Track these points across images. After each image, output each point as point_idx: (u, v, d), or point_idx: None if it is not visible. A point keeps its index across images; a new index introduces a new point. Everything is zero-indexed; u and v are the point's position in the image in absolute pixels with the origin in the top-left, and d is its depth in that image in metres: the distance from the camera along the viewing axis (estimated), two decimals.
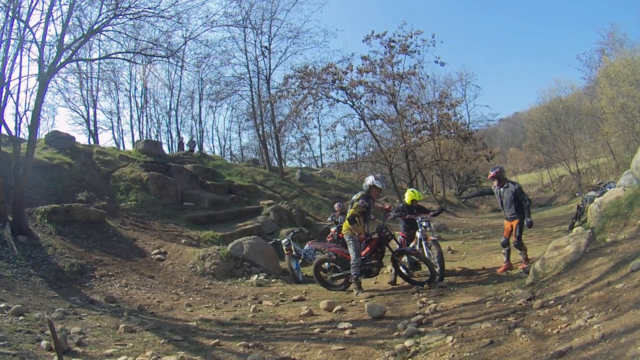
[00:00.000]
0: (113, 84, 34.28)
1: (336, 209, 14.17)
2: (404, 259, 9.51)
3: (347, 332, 6.09)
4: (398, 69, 18.53)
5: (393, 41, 18.16)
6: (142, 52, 14.41)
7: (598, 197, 10.92)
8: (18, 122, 10.58)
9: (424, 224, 9.69)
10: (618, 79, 32.67)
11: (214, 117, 64.59)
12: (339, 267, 9.57)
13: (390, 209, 9.89)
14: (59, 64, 10.98)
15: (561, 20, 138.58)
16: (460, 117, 20.46)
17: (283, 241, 12.15)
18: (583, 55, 54.07)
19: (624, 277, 4.99)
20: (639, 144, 9.83)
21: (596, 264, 6.02)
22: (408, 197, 10.14)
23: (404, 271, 9.36)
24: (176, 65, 23.30)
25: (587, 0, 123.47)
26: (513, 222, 9.19)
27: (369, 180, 8.97)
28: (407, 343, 5.18)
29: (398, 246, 9.36)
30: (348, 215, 8.84)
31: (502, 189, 9.33)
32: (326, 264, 9.98)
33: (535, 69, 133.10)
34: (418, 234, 9.64)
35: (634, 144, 25.16)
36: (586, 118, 43.00)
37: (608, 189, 11.75)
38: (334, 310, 7.43)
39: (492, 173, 9.50)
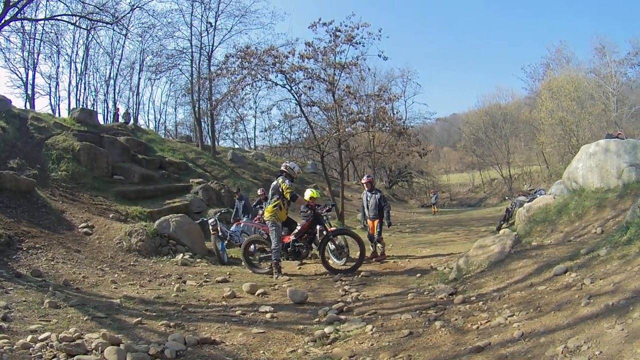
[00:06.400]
0: (55, 47, 32.67)
1: (259, 194, 14.24)
2: (339, 241, 9.74)
3: (268, 315, 6.02)
4: (340, 58, 18.66)
5: (339, 30, 18.20)
6: (88, 16, 14.01)
7: (528, 202, 11.32)
8: None
9: (324, 217, 10.21)
10: (560, 93, 34.21)
11: (152, 90, 62.25)
12: (266, 249, 9.45)
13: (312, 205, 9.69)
14: (3, 20, 10.50)
15: (511, 32, 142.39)
16: (397, 112, 20.76)
17: (210, 221, 11.97)
18: (528, 67, 56.26)
19: (547, 280, 5.10)
20: (573, 156, 10.31)
21: (520, 265, 6.14)
22: (309, 195, 10.05)
23: (332, 257, 9.73)
24: (120, 33, 22.46)
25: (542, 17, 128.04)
26: (375, 221, 10.66)
27: (295, 166, 9.59)
28: (327, 329, 5.15)
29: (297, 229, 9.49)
30: (288, 195, 8.87)
31: (369, 194, 10.85)
32: (252, 246, 9.81)
33: (479, 75, 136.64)
34: (319, 227, 9.73)
35: (569, 156, 26.24)
36: (523, 126, 44.76)
37: (538, 195, 12.13)
38: (256, 294, 7.35)
39: (366, 179, 11.16)
